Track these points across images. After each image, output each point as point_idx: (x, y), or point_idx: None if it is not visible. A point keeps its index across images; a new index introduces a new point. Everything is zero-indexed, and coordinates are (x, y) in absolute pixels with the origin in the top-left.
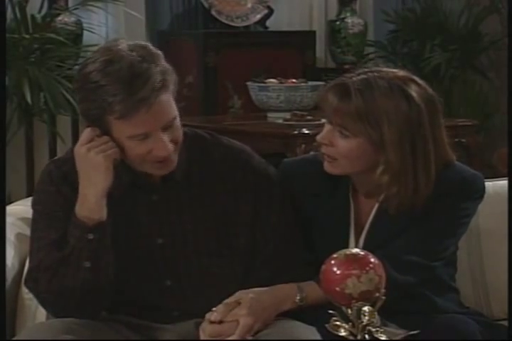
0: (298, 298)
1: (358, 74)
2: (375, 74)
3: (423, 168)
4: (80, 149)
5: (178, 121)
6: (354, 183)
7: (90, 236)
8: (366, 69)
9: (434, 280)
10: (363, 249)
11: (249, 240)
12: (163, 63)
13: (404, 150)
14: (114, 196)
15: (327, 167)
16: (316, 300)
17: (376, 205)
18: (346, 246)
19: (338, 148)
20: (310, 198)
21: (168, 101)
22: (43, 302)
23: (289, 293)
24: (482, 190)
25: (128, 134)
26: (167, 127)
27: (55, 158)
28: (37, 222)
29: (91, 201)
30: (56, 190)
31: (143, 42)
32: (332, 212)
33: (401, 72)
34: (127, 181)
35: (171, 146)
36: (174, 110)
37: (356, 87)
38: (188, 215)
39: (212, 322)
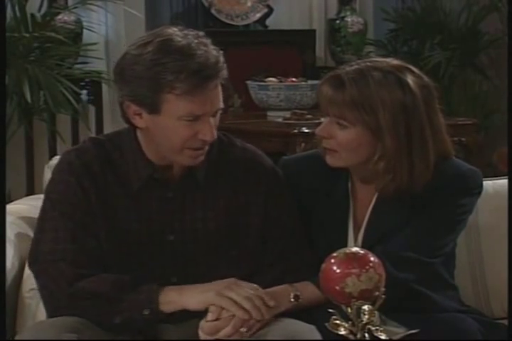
0: (292, 295)
1: (351, 65)
2: (368, 63)
3: (419, 154)
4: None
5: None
6: (352, 175)
7: (146, 312)
8: (359, 61)
9: (433, 277)
10: (362, 244)
11: (258, 241)
12: (216, 49)
13: (400, 136)
14: (130, 190)
15: (329, 160)
16: (312, 299)
17: (374, 201)
18: (345, 241)
19: (338, 139)
20: (309, 194)
21: (220, 88)
22: (42, 293)
23: (283, 293)
24: (480, 185)
25: (184, 113)
26: (215, 114)
27: (74, 147)
28: (47, 211)
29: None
30: (76, 182)
31: (191, 30)
32: (331, 208)
33: (395, 61)
34: (145, 176)
35: (215, 132)
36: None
37: (350, 76)
38: (201, 214)
39: (208, 321)
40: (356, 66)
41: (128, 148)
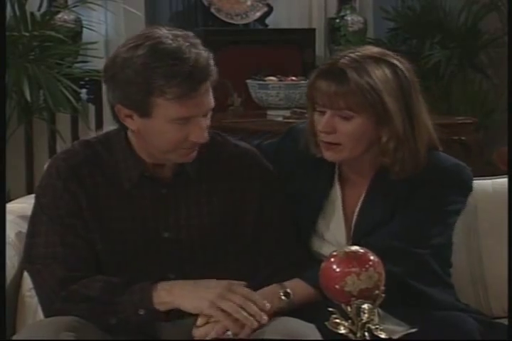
0: (281, 293)
1: (341, 58)
2: (357, 53)
3: (419, 132)
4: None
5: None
6: (344, 172)
7: (141, 312)
8: (342, 54)
9: (426, 271)
10: (352, 237)
11: (253, 238)
12: (206, 50)
13: (404, 116)
14: (122, 189)
15: (329, 155)
16: (303, 295)
17: (363, 195)
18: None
19: (342, 132)
20: (301, 175)
21: (210, 89)
22: (38, 294)
23: (272, 292)
24: (468, 180)
25: (175, 116)
26: (205, 115)
27: (63, 150)
28: (37, 215)
29: (178, 304)
30: (63, 186)
31: (181, 31)
32: (321, 203)
33: (375, 49)
34: (137, 174)
35: (207, 133)
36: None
37: (349, 66)
38: (196, 210)
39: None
40: (347, 57)
41: (118, 148)
